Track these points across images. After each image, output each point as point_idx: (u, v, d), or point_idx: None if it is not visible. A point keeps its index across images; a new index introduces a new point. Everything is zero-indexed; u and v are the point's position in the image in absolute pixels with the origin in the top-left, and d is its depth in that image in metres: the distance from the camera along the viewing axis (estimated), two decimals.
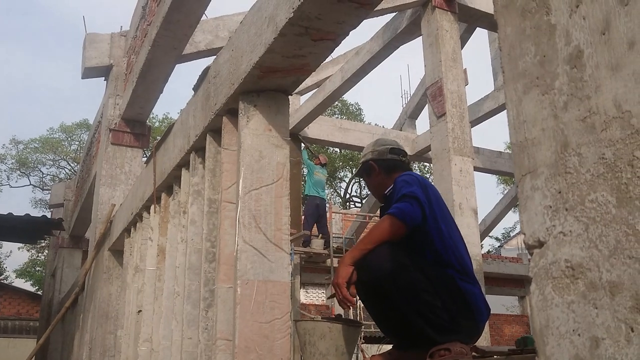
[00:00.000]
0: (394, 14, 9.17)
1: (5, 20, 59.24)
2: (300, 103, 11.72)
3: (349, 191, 30.68)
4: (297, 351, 8.98)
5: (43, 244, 23.45)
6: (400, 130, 13.26)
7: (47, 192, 29.14)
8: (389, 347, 2.78)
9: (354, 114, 29.47)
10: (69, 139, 31.68)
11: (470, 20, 9.15)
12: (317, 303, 18.24)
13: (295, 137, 11.05)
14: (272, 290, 2.74)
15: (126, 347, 5.01)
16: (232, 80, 2.99)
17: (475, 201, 7.39)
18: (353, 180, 30.43)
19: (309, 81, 10.90)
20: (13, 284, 27.33)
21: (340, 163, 29.01)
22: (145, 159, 6.37)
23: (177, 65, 6.19)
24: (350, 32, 2.60)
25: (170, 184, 4.28)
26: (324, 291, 18.38)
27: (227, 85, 3.06)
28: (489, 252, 28.86)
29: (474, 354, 2.42)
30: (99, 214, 6.83)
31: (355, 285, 2.60)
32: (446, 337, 2.29)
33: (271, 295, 2.73)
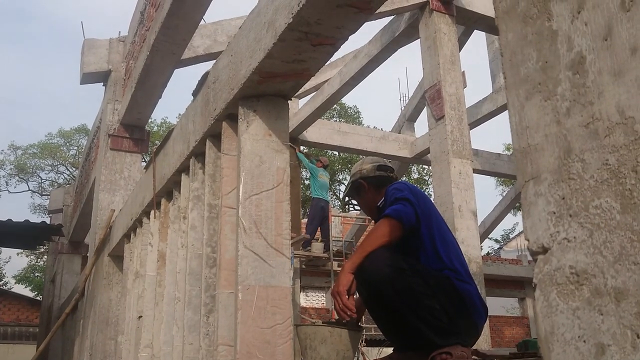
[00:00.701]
0: (392, 17, 9.19)
1: (3, 26, 59.25)
2: (298, 107, 11.73)
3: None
4: (297, 355, 8.99)
5: (42, 250, 23.42)
6: (399, 133, 13.27)
7: (46, 197, 29.13)
8: (390, 350, 2.78)
9: (352, 117, 29.49)
10: (68, 144, 31.67)
11: (468, 22, 9.16)
12: (317, 306, 18.22)
13: (292, 140, 11.06)
14: (273, 295, 2.73)
15: (127, 353, 5.00)
16: (232, 86, 2.99)
17: (474, 203, 7.39)
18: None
19: (307, 85, 10.90)
20: (12, 290, 27.28)
21: (339, 166, 29.02)
22: (145, 164, 6.38)
23: (175, 70, 6.19)
24: (350, 37, 2.61)
25: (170, 189, 4.27)
26: (324, 295, 18.36)
27: (226, 90, 3.06)
28: (488, 254, 28.87)
29: (475, 357, 2.42)
30: (99, 219, 6.82)
31: (357, 290, 2.62)
32: (446, 339, 2.30)
33: (272, 300, 2.73)
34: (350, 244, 13.77)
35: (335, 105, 22.34)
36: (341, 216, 18.57)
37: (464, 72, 8.72)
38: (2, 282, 31.01)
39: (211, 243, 3.20)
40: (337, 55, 12.08)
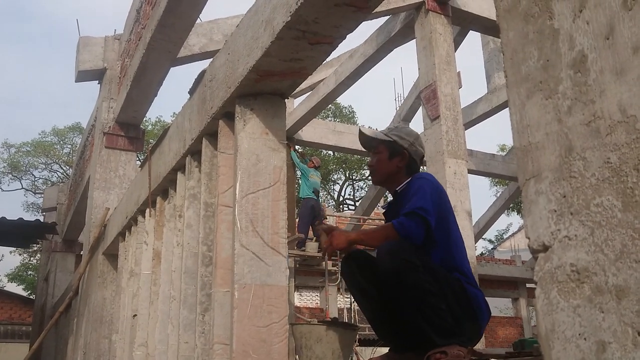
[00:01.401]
0: (388, 17, 9.19)
1: (2, 26, 59.00)
2: (294, 106, 11.72)
3: (343, 194, 30.69)
4: (292, 354, 8.96)
5: (35, 248, 23.32)
6: None
7: (40, 196, 28.98)
8: (385, 349, 2.78)
9: (347, 117, 29.49)
10: (62, 142, 31.53)
11: (464, 23, 9.18)
12: (311, 306, 18.21)
13: (287, 139, 11.05)
14: (269, 294, 2.73)
15: (121, 351, 4.98)
16: (229, 84, 2.98)
17: (469, 203, 7.40)
18: (346, 183, 30.44)
19: (302, 84, 10.89)
20: (5, 288, 27.15)
21: (334, 166, 29.02)
22: (140, 162, 6.36)
23: (170, 69, 6.17)
24: (347, 36, 2.60)
25: (165, 188, 4.26)
26: (318, 294, 18.34)
27: (223, 88, 3.05)
28: (482, 254, 28.94)
29: (472, 357, 2.42)
30: (93, 217, 6.80)
31: (351, 286, 2.63)
32: (446, 339, 2.30)
33: (268, 299, 2.73)
34: None
35: (330, 105, 22.35)
36: (336, 215, 18.57)
37: (459, 72, 8.74)
38: None
39: (207, 241, 3.19)
40: (333, 54, 12.05)
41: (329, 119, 27.41)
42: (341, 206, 29.83)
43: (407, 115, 13.54)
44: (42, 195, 17.52)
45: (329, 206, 26.65)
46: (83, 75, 7.50)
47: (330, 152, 27.18)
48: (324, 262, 12.01)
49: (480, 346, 6.74)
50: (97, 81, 7.71)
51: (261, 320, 2.68)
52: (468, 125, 11.85)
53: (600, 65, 0.90)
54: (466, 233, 7.14)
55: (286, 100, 3.10)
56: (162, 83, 6.22)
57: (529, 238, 1.00)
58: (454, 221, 2.60)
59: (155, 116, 31.17)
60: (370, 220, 15.33)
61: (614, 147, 0.87)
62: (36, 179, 31.44)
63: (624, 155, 0.85)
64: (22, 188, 31.36)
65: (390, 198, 2.95)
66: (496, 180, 28.23)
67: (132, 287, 4.91)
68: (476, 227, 14.72)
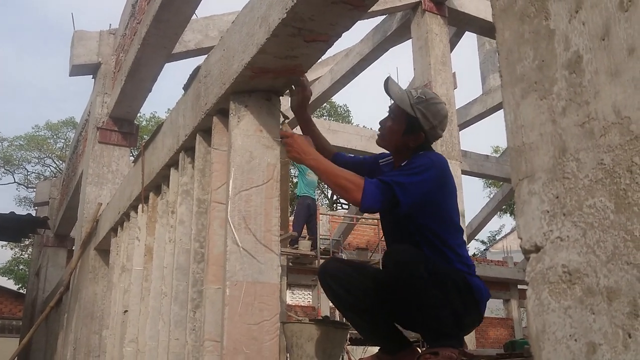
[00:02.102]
0: (384, 16, 9.20)
1: None
2: (289, 104, 11.71)
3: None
4: (283, 353, 8.96)
5: (27, 243, 23.23)
6: None
7: (32, 190, 28.88)
8: (376, 348, 2.78)
9: (342, 116, 29.50)
10: (55, 136, 31.44)
11: (460, 24, 9.20)
12: (303, 304, 18.23)
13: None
14: (261, 291, 2.72)
15: (111, 347, 4.97)
16: (223, 80, 2.97)
17: (462, 204, 7.42)
18: None
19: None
20: None
21: None
22: (133, 158, 6.34)
23: (165, 65, 6.16)
24: (343, 34, 2.60)
25: (158, 184, 4.25)
26: (310, 292, 18.36)
27: (218, 85, 3.04)
28: (474, 255, 29.02)
29: (462, 358, 2.42)
30: (85, 212, 6.77)
31: (335, 297, 2.66)
32: (441, 342, 2.30)
33: (260, 296, 2.72)
34: (337, 242, 13.78)
35: (325, 104, 22.33)
36: (329, 214, 18.58)
37: (454, 73, 8.75)
38: None
39: (199, 238, 3.19)
40: (329, 53, 12.07)
41: (324, 117, 27.42)
42: (335, 205, 29.84)
43: None
44: (35, 189, 17.47)
45: (322, 205, 26.65)
46: (77, 70, 7.46)
47: None
48: (316, 261, 12.02)
49: (471, 347, 6.75)
50: (92, 76, 7.68)
51: (252, 317, 2.67)
52: (462, 126, 11.87)
53: (596, 66, 0.90)
54: None
55: (281, 97, 3.10)
56: (156, 78, 6.21)
57: (521, 238, 0.99)
58: (454, 207, 2.51)
59: (149, 112, 31.11)
60: (363, 220, 15.34)
61: (607, 149, 0.87)
62: (29, 173, 31.34)
63: (617, 156, 0.85)
64: (15, 182, 31.26)
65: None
66: (490, 181, 28.31)
67: (123, 283, 4.89)
68: (469, 228, 14.76)
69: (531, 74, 1.01)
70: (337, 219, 16.79)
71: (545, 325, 0.92)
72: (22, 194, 31.90)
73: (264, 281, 2.75)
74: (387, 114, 2.64)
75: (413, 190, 2.28)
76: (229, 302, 2.64)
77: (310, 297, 18.47)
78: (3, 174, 30.75)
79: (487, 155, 13.87)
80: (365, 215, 15.02)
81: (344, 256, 12.91)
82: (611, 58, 0.88)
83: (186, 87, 3.64)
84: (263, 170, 2.89)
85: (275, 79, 2.86)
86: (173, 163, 3.83)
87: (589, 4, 0.92)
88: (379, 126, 2.69)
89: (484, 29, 9.24)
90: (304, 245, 11.81)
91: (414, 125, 2.49)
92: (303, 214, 11.74)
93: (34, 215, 11.03)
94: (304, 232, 12.12)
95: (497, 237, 35.27)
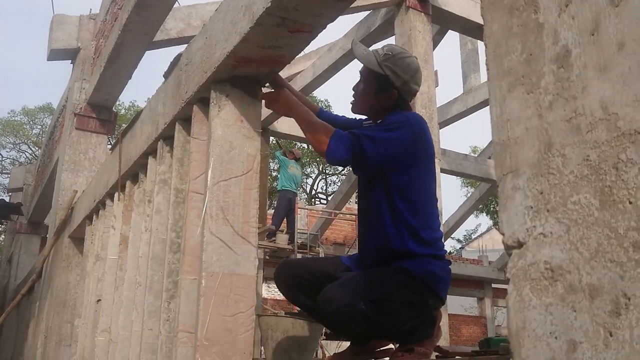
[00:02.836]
0: (368, 12, 9.18)
1: None
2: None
3: (315, 188, 30.71)
4: (257, 345, 8.93)
5: None
6: None
7: (6, 175, 28.40)
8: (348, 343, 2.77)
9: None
10: (31, 122, 30.96)
11: (443, 22, 9.21)
12: (278, 298, 18.20)
13: (265, 131, 10.98)
14: (237, 283, 2.70)
15: (83, 336, 4.90)
16: (205, 69, 2.93)
17: (440, 203, 7.45)
18: (319, 177, 30.45)
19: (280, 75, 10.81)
20: None
21: (308, 159, 29.00)
22: (111, 146, 6.25)
23: (145, 53, 6.07)
24: (327, 25, 2.57)
25: (135, 172, 4.19)
26: None
27: (199, 73, 3.00)
28: (450, 253, 29.25)
29: (436, 354, 2.42)
30: (60, 200, 6.67)
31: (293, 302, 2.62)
32: (412, 337, 2.29)
33: (236, 288, 2.69)
34: (315, 237, 13.77)
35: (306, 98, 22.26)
36: (307, 209, 18.57)
37: (436, 71, 8.78)
38: None
39: (176, 228, 3.14)
40: (311, 47, 12.03)
41: None
42: (313, 200, 29.85)
43: None
44: (9, 175, 17.17)
45: (301, 199, 26.64)
46: (55, 54, 7.33)
47: (305, 145, 27.16)
48: (293, 255, 11.99)
49: (444, 344, 6.79)
50: (70, 61, 7.55)
51: (228, 309, 2.64)
52: (442, 124, 11.92)
53: (584, 61, 0.89)
54: None
55: (265, 87, 3.06)
56: (137, 66, 6.12)
57: (503, 234, 0.98)
58: (431, 175, 2.38)
59: (129, 100, 30.77)
60: (341, 215, 15.35)
61: (594, 145, 0.86)
62: (3, 158, 30.85)
63: (603, 153, 0.84)
64: None
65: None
66: (467, 181, 28.52)
67: (97, 272, 4.82)
68: (446, 226, 14.85)
69: (518, 67, 0.99)
70: (315, 214, 16.78)
71: (526, 322, 0.91)
72: None
73: (240, 273, 2.72)
74: (359, 79, 2.57)
75: (383, 146, 2.20)
76: (205, 293, 2.61)
77: None
78: None
79: (466, 155, 13.94)
80: (344, 210, 15.03)
81: (321, 251, 12.89)
82: (600, 53, 0.87)
83: (167, 75, 3.58)
84: (243, 161, 2.85)
85: (258, 68, 2.83)
86: (151, 151, 3.78)
87: None
88: (352, 92, 2.61)
89: (467, 28, 9.27)
90: (282, 239, 11.78)
91: (385, 83, 2.42)
92: (284, 208, 11.71)
93: (7, 201, 10.85)
94: (283, 226, 12.10)
95: (473, 236, 35.60)
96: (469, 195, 21.21)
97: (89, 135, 6.97)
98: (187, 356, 2.69)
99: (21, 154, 30.88)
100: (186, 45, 3.41)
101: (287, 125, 11.71)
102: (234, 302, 2.67)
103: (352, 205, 17.45)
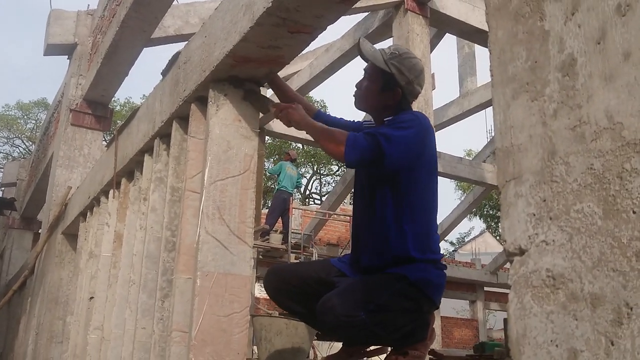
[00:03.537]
0: (367, 13, 9.19)
1: None
2: (267, 96, 11.64)
3: (309, 188, 30.70)
4: (249, 345, 8.90)
5: None
6: None
7: None
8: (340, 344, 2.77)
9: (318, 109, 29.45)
10: (26, 117, 30.82)
11: (441, 25, 9.23)
12: None
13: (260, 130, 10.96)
14: (232, 283, 2.69)
15: (75, 334, 4.88)
16: (204, 67, 2.92)
17: None
18: (313, 178, 30.45)
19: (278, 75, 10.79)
20: None
21: (302, 159, 29.00)
22: (106, 142, 6.23)
23: (142, 50, 6.06)
24: (328, 27, 2.57)
25: (131, 170, 4.17)
26: None
27: (197, 72, 2.99)
28: (443, 255, 29.28)
29: (431, 357, 2.42)
30: (54, 195, 6.64)
31: (287, 309, 2.64)
32: (408, 340, 2.29)
33: (231, 288, 2.68)
34: (309, 237, 13.77)
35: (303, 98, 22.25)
36: (302, 209, 18.56)
37: (433, 74, 8.79)
38: None
39: (171, 226, 3.13)
40: (309, 47, 12.03)
41: None
42: (307, 200, 29.84)
43: None
44: (2, 169, 17.09)
45: (295, 199, 26.63)
46: (52, 49, 7.31)
47: (300, 145, 27.14)
48: (287, 255, 11.99)
49: (436, 346, 6.79)
50: (67, 56, 7.52)
51: (222, 309, 2.64)
52: (438, 127, 11.95)
53: (590, 70, 0.89)
54: None
55: (263, 87, 3.06)
56: (134, 63, 6.10)
57: (505, 241, 0.98)
58: (433, 178, 2.39)
59: (124, 97, 30.69)
60: (335, 216, 15.35)
61: (598, 154, 0.86)
62: None
63: (607, 162, 0.84)
64: None
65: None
66: (461, 184, 28.57)
67: (90, 269, 4.80)
68: (439, 228, 14.87)
69: (523, 74, 0.99)
70: (309, 214, 16.78)
71: (527, 330, 0.91)
72: None
73: (235, 273, 2.71)
74: (363, 75, 2.56)
75: (398, 142, 2.18)
76: (199, 292, 2.60)
77: None
78: None
79: (461, 158, 13.96)
80: (338, 210, 15.03)
81: (314, 252, 12.89)
82: (606, 62, 0.87)
83: (165, 73, 3.57)
84: (240, 160, 2.85)
85: (256, 68, 2.82)
86: (147, 149, 3.77)
87: (586, 7, 0.91)
88: (355, 89, 2.60)
89: (464, 32, 9.29)
90: (275, 239, 11.77)
91: (390, 81, 2.41)
92: (279, 208, 11.71)
93: (0, 196, 10.80)
94: (277, 226, 12.09)
95: (466, 239, 35.68)
96: (462, 198, 21.27)
97: (84, 131, 6.94)
98: (181, 356, 2.69)
99: (15, 148, 30.74)
100: (184, 43, 3.40)
101: (282, 124, 11.69)
102: (228, 302, 2.66)
103: (347, 206, 17.44)
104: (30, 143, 28.85)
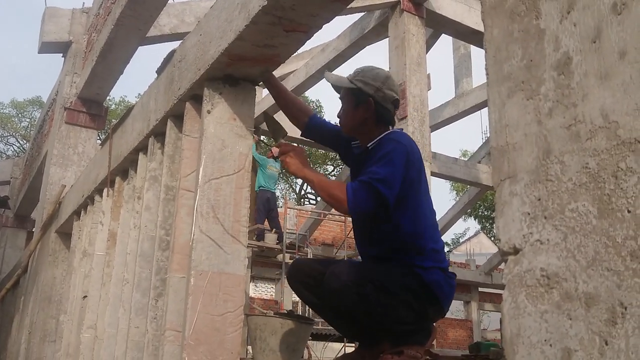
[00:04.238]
0: (363, 13, 9.18)
1: None
2: (262, 95, 11.62)
3: (304, 188, 30.68)
4: (243, 344, 8.90)
5: None
6: None
7: None
8: (337, 345, 2.77)
9: (314, 111, 29.44)
10: (20, 115, 30.70)
11: (437, 26, 9.23)
12: (265, 297, 18.18)
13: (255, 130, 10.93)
14: (226, 282, 2.68)
15: (68, 332, 4.86)
16: (199, 66, 2.91)
17: None
18: None
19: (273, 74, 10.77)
20: None
21: None
22: (100, 141, 6.21)
23: (138, 49, 6.04)
24: (323, 26, 2.56)
25: (125, 168, 4.16)
26: (274, 286, 18.31)
27: (192, 70, 2.98)
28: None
29: (427, 357, 2.42)
30: (48, 194, 6.61)
31: (304, 301, 2.68)
32: (407, 339, 2.29)
33: (225, 287, 2.67)
34: (304, 237, 13.76)
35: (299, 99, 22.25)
36: (297, 209, 18.55)
37: (429, 74, 8.79)
38: None
39: (165, 225, 3.12)
40: (305, 47, 12.02)
41: None
42: (302, 200, 29.82)
43: None
44: None
45: (290, 199, 26.61)
46: (47, 47, 7.28)
47: (296, 145, 27.08)
48: (281, 255, 11.97)
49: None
50: (62, 54, 7.49)
51: (216, 308, 2.63)
52: (433, 128, 11.96)
53: (585, 69, 0.89)
54: None
55: (258, 86, 3.05)
56: (129, 61, 6.09)
57: (499, 240, 0.98)
58: (425, 189, 2.43)
59: (119, 96, 30.63)
60: (330, 215, 15.35)
61: (593, 153, 0.86)
62: None
63: (603, 161, 0.84)
64: None
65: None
66: (455, 185, 28.61)
67: (84, 268, 4.79)
68: None
69: (518, 73, 0.99)
70: (304, 214, 16.77)
71: (521, 329, 0.91)
72: None
73: (229, 272, 2.70)
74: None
75: (393, 180, 2.25)
76: (193, 291, 2.59)
77: (274, 290, 18.43)
78: None
79: (456, 159, 13.97)
80: (333, 210, 15.03)
81: (309, 252, 12.88)
82: (601, 61, 0.87)
83: (159, 71, 3.56)
84: (235, 159, 2.84)
85: (252, 67, 2.81)
86: (142, 148, 3.75)
87: (581, 5, 0.91)
88: (338, 119, 2.68)
89: (460, 32, 9.30)
90: (270, 239, 11.75)
91: (360, 95, 2.47)
92: (263, 208, 11.63)
93: None
94: (265, 225, 12.03)
95: (461, 240, 35.72)
96: (457, 199, 21.30)
97: (78, 129, 6.92)
98: (174, 355, 2.67)
99: (9, 146, 30.61)
100: (179, 41, 3.39)
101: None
102: (222, 301, 2.65)
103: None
104: (25, 141, 28.74)
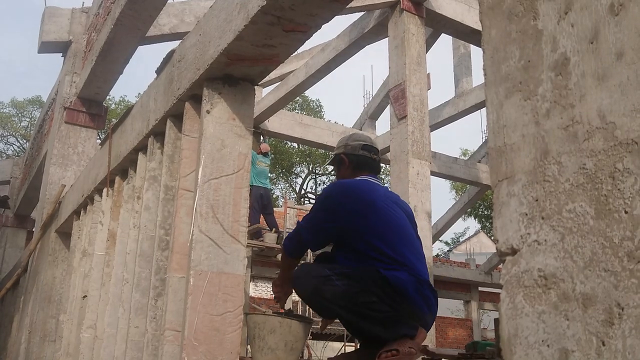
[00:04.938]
0: (362, 13, 9.17)
1: None
2: (262, 95, 11.62)
3: (305, 187, 30.69)
4: (243, 344, 8.90)
5: None
6: (360, 129, 13.29)
7: None
8: (337, 344, 2.78)
9: (314, 111, 29.44)
10: (20, 114, 30.68)
11: (437, 26, 9.22)
12: (265, 297, 18.17)
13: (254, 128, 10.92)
14: (225, 282, 2.68)
15: (68, 332, 4.86)
16: (198, 66, 2.91)
17: (429, 205, 7.45)
18: (309, 177, 30.45)
19: (272, 74, 10.78)
20: None
21: (298, 159, 28.97)
22: (100, 140, 6.21)
23: (137, 49, 6.04)
24: (322, 26, 2.56)
25: (125, 168, 4.16)
26: None
27: (192, 70, 2.98)
28: (438, 255, 29.32)
29: (423, 356, 2.42)
30: (48, 194, 6.61)
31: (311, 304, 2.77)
32: (392, 329, 2.28)
33: (224, 287, 2.68)
34: None
35: (298, 97, 22.26)
36: (297, 208, 18.55)
37: (429, 74, 8.78)
38: None
39: (165, 225, 3.12)
40: (305, 47, 12.02)
41: (296, 111, 27.34)
42: (302, 199, 29.82)
43: (374, 113, 13.59)
44: None
45: (290, 198, 26.60)
46: (46, 47, 7.28)
47: (295, 145, 27.11)
48: (280, 254, 11.96)
49: (430, 346, 6.80)
50: (61, 54, 7.49)
51: (215, 308, 2.63)
52: (433, 127, 11.95)
53: (582, 69, 0.89)
54: (425, 234, 7.18)
55: (258, 86, 3.05)
56: (128, 60, 6.08)
57: (497, 240, 0.98)
58: (367, 210, 2.50)
59: (119, 95, 30.59)
60: None
61: (590, 153, 0.86)
62: None
63: (600, 162, 0.84)
64: None
65: None
66: (455, 184, 28.61)
67: (83, 268, 4.79)
68: (434, 228, 14.88)
69: (516, 74, 0.99)
70: (304, 213, 16.75)
71: (518, 330, 0.91)
72: None
73: (229, 272, 2.70)
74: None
75: (313, 227, 2.53)
76: (193, 291, 2.60)
77: None
78: None
79: (456, 158, 13.97)
80: None
81: (308, 251, 12.87)
82: (599, 62, 0.87)
83: (159, 71, 3.56)
84: (234, 159, 2.84)
85: (251, 67, 2.82)
86: (141, 147, 3.75)
87: (579, 6, 0.91)
88: None
89: (460, 32, 9.29)
90: (270, 238, 11.73)
91: (337, 158, 2.78)
92: (257, 205, 11.56)
93: None
94: (262, 223, 11.98)
95: (461, 239, 35.72)
96: (457, 198, 21.30)
97: (78, 129, 6.91)
98: (174, 355, 2.68)
99: (9, 146, 30.59)
100: (179, 41, 3.39)
101: (277, 123, 11.69)
102: (222, 301, 2.65)
103: None
104: (25, 141, 28.73)
